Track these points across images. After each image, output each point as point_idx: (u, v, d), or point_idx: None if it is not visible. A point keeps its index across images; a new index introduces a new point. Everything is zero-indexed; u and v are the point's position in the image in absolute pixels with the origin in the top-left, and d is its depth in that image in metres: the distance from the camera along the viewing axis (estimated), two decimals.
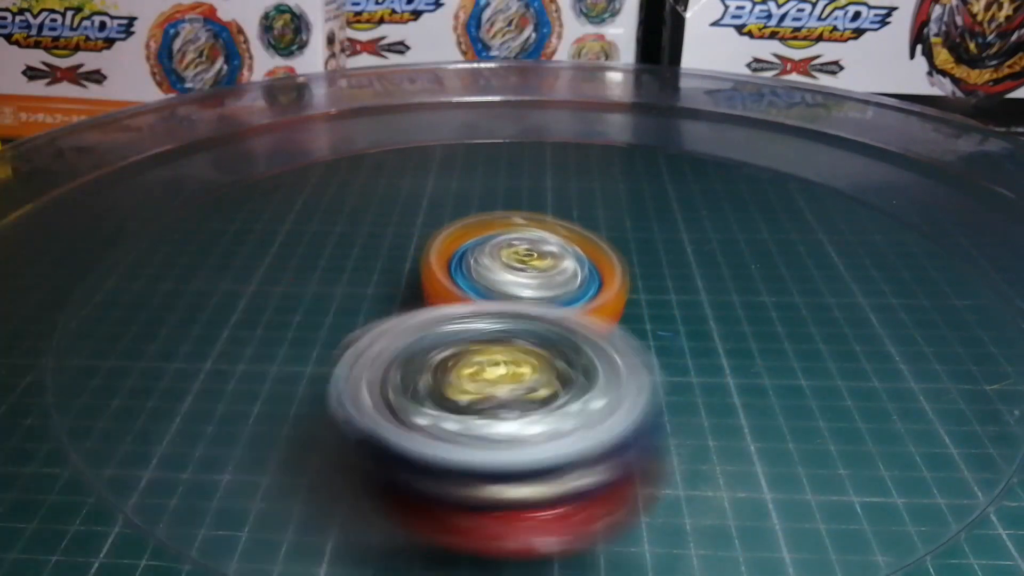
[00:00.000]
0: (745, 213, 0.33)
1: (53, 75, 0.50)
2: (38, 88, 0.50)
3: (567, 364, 0.17)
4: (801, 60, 0.47)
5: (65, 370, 0.24)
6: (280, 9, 0.47)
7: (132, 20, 0.48)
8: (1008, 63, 0.46)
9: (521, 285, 0.23)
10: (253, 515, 0.19)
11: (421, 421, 0.16)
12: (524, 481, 0.15)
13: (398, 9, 0.50)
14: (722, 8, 0.47)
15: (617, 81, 0.49)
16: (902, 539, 0.18)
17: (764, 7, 0.46)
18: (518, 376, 0.17)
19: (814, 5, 0.46)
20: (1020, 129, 0.47)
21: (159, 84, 0.49)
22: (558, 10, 0.50)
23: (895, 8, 0.46)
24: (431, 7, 0.50)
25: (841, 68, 0.47)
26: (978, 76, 0.47)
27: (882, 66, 0.47)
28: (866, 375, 0.24)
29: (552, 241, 0.24)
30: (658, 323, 0.26)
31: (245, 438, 0.21)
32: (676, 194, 0.34)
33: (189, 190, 0.35)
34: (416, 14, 0.50)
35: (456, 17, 0.50)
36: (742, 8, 0.47)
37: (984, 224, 0.32)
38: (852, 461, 0.20)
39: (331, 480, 0.20)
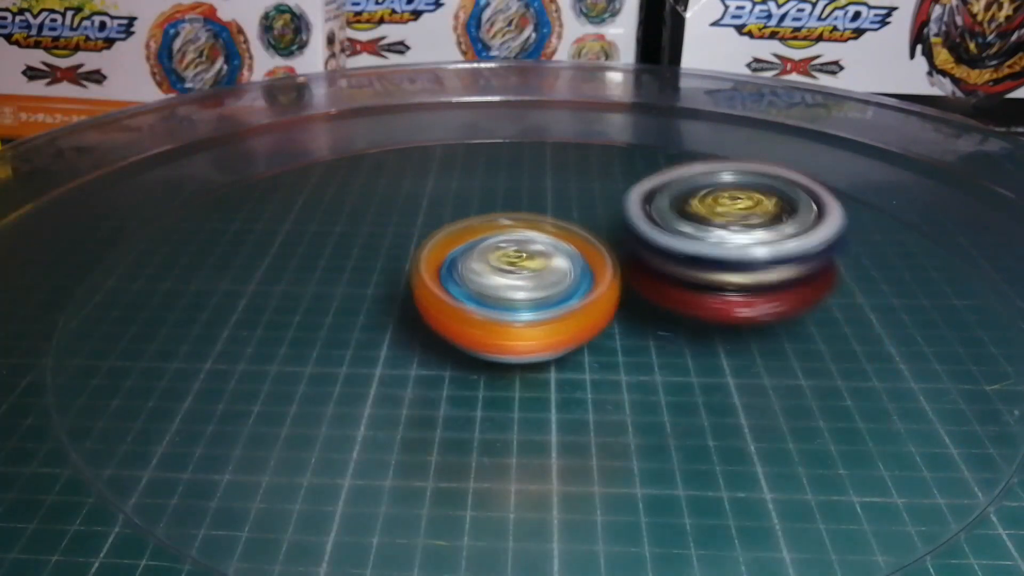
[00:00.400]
0: None
1: (53, 75, 0.50)
2: (38, 88, 0.50)
3: (785, 200, 0.24)
4: (801, 60, 0.47)
5: (65, 370, 0.24)
6: (280, 9, 0.47)
7: (132, 20, 0.48)
8: (1008, 63, 0.46)
9: (514, 288, 0.23)
10: (253, 515, 0.19)
11: (676, 227, 0.24)
12: (744, 270, 0.23)
13: (398, 9, 0.50)
14: (722, 8, 0.47)
15: (617, 81, 0.49)
16: (902, 539, 0.18)
17: (764, 7, 0.46)
18: (748, 206, 0.24)
19: (814, 5, 0.46)
20: (1020, 129, 0.47)
21: (159, 84, 0.49)
22: (558, 10, 0.50)
23: (895, 8, 0.46)
24: (431, 7, 0.50)
25: (841, 68, 0.47)
26: (978, 76, 0.47)
27: (882, 66, 0.47)
28: (866, 375, 0.24)
29: (540, 240, 0.24)
30: (658, 323, 0.26)
31: (245, 438, 0.21)
32: None
33: (189, 190, 0.35)
34: (416, 14, 0.50)
35: (456, 17, 0.50)
36: (742, 8, 0.47)
37: (984, 224, 0.32)
38: (852, 461, 0.20)
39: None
